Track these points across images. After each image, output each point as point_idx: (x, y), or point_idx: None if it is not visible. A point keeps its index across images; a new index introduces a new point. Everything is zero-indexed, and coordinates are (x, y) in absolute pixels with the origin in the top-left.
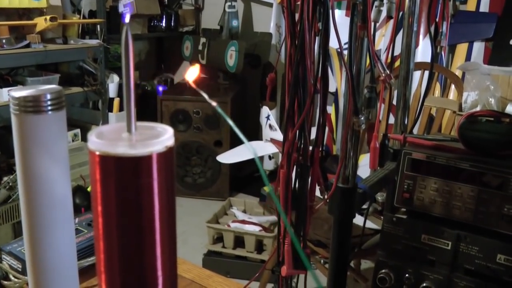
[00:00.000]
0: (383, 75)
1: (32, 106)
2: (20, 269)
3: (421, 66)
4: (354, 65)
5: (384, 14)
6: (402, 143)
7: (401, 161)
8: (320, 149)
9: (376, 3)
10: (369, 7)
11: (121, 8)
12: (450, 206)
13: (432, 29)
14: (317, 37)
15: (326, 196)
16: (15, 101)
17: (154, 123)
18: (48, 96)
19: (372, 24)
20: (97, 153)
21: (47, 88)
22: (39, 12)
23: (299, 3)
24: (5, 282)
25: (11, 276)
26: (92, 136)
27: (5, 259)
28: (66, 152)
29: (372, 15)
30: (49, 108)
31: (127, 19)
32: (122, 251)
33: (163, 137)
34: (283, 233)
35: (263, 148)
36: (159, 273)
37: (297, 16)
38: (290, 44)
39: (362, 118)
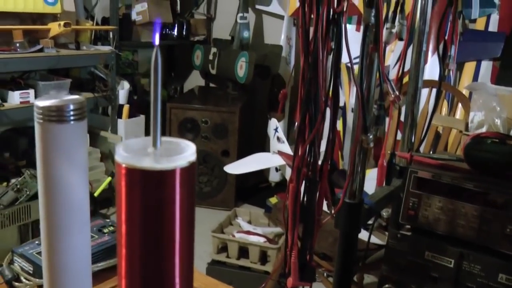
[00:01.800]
0: (392, 96)
1: (55, 115)
2: (31, 272)
3: (429, 83)
4: (364, 84)
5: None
6: (409, 161)
7: (407, 179)
8: (329, 163)
9: (387, 25)
10: (381, 29)
11: (133, 16)
12: (454, 225)
13: (441, 48)
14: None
15: (333, 211)
16: (40, 110)
17: (177, 138)
18: (71, 107)
19: (383, 45)
20: (124, 165)
21: (70, 98)
22: (53, 17)
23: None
24: (17, 284)
25: (22, 278)
26: (119, 149)
27: (17, 261)
28: (86, 160)
29: (384, 36)
30: (72, 118)
31: (157, 40)
32: (143, 258)
33: (186, 152)
34: (290, 245)
35: (270, 160)
36: (177, 280)
37: (311, 34)
38: (303, 61)
39: (370, 136)
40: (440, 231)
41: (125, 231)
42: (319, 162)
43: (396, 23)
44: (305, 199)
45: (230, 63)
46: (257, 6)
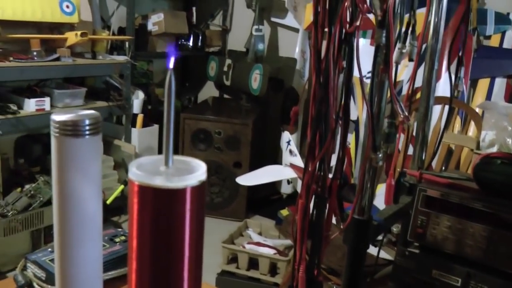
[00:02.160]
0: (401, 117)
1: (71, 130)
2: (44, 278)
3: (441, 100)
4: (375, 103)
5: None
6: (418, 179)
7: (416, 197)
8: (338, 181)
9: (398, 45)
10: (391, 51)
11: (150, 26)
12: (462, 244)
13: (452, 65)
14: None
15: (341, 227)
16: (56, 124)
17: (188, 157)
18: (87, 121)
19: (394, 65)
20: (137, 183)
21: (86, 113)
22: (70, 26)
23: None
24: None
25: (35, 285)
26: (132, 167)
27: (30, 267)
28: (100, 173)
29: (395, 56)
30: (87, 132)
31: (171, 64)
32: (152, 272)
33: (197, 172)
34: (298, 260)
35: (282, 172)
36: None
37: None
38: (315, 80)
39: (380, 155)
40: (448, 250)
41: (136, 246)
42: (329, 178)
43: (407, 43)
44: (314, 215)
45: (244, 75)
46: (273, 19)
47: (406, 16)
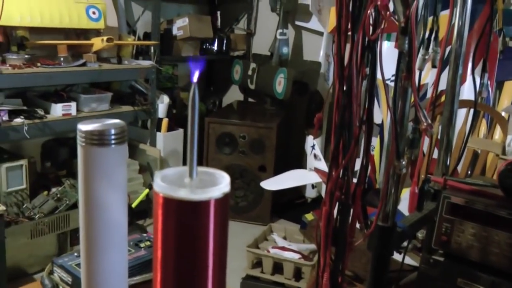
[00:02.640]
0: (425, 124)
1: (97, 139)
2: (70, 282)
3: (466, 104)
4: (398, 110)
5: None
6: (442, 186)
7: (440, 204)
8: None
9: (421, 52)
10: (414, 59)
11: (175, 31)
12: (487, 252)
13: (478, 69)
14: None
15: (365, 233)
16: (82, 134)
17: (212, 169)
18: (112, 131)
19: (418, 72)
20: (161, 195)
21: (112, 123)
22: (96, 32)
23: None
24: None
25: None
26: (157, 179)
27: (56, 271)
28: (125, 181)
29: (417, 63)
30: (113, 141)
31: (195, 78)
32: (177, 283)
33: (220, 184)
34: (322, 267)
35: (307, 176)
36: None
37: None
38: (338, 88)
39: (403, 163)
40: (472, 258)
41: (161, 257)
42: (353, 184)
43: (430, 50)
44: (338, 221)
45: (269, 78)
46: (297, 22)
47: (430, 18)
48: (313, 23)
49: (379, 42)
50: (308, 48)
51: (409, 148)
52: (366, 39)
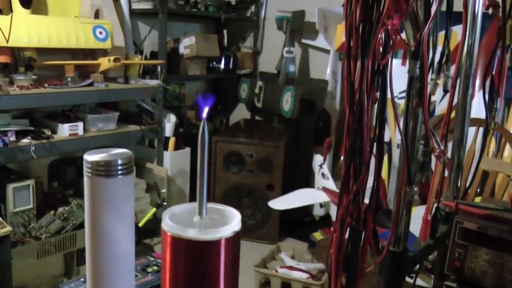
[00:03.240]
0: (438, 151)
1: (103, 170)
2: None
3: (476, 122)
4: (409, 136)
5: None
6: (454, 210)
7: (452, 229)
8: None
9: (432, 76)
10: (426, 84)
11: (181, 50)
12: (502, 279)
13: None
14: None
15: (377, 260)
16: (88, 164)
17: (222, 205)
18: (119, 161)
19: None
20: (169, 234)
21: (118, 152)
22: (103, 52)
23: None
24: None
25: None
26: (165, 218)
27: None
28: (133, 212)
29: (429, 88)
30: (119, 172)
31: (205, 113)
32: None
33: (231, 223)
34: None
35: (315, 196)
36: None
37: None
38: (348, 113)
39: (415, 189)
40: (487, 284)
41: None
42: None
43: (442, 75)
44: (349, 247)
45: (276, 97)
46: (303, 40)
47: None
48: (320, 41)
49: (389, 66)
50: (314, 66)
51: (419, 171)
52: (376, 63)
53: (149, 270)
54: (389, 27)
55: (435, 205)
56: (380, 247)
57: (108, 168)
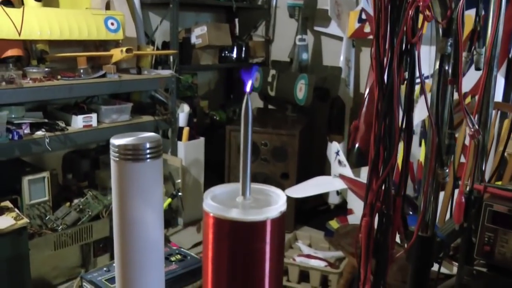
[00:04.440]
0: (472, 130)
1: (131, 154)
2: None
3: (498, 106)
4: (440, 116)
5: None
6: (483, 193)
7: (481, 213)
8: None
9: (464, 54)
10: (460, 61)
11: (193, 39)
12: None
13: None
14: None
15: (405, 245)
16: (115, 148)
17: (266, 186)
18: (147, 145)
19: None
20: (212, 215)
21: (146, 136)
22: (115, 43)
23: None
24: None
25: None
26: (207, 199)
27: (86, 286)
28: (161, 197)
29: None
30: (148, 156)
31: (248, 87)
32: None
33: (277, 203)
34: (363, 281)
35: (332, 183)
36: None
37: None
38: (378, 94)
39: (447, 170)
40: None
41: (212, 282)
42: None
43: (474, 52)
44: (378, 233)
45: (289, 85)
46: (316, 28)
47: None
48: (333, 28)
49: (417, 44)
50: (328, 54)
51: (445, 154)
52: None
53: (173, 259)
54: (420, 3)
55: (466, 188)
56: (408, 232)
57: (136, 152)
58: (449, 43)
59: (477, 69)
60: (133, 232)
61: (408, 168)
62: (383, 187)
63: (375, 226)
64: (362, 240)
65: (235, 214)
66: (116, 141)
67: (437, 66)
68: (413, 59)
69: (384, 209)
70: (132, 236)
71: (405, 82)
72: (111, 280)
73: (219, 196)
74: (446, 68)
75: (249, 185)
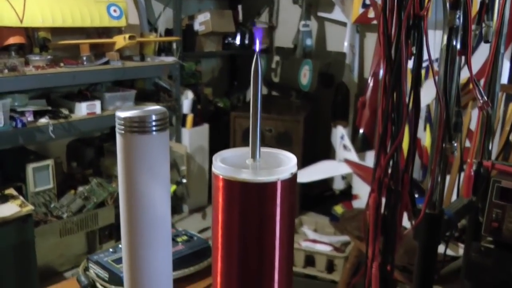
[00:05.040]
0: (481, 102)
1: (137, 126)
2: (106, 278)
3: (505, 89)
4: (448, 90)
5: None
6: (490, 170)
7: (489, 189)
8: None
9: (472, 27)
10: (470, 32)
11: (196, 27)
12: None
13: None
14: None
15: (413, 222)
16: (121, 121)
17: (276, 149)
18: (153, 117)
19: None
20: (222, 177)
21: (152, 109)
22: (118, 30)
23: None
24: None
25: (98, 285)
26: (216, 161)
27: (92, 268)
28: (168, 171)
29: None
30: (154, 128)
31: (257, 47)
32: (241, 275)
33: (288, 164)
34: (371, 257)
35: (337, 168)
36: None
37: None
38: (385, 68)
39: (455, 144)
40: None
41: (222, 246)
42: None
43: (483, 25)
44: (386, 210)
45: (294, 71)
46: (320, 14)
47: None
48: (337, 14)
49: (425, 18)
50: (332, 39)
51: (453, 132)
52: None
53: (179, 240)
54: None
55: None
56: (416, 209)
57: (142, 124)
58: (457, 16)
59: (486, 41)
60: (140, 207)
61: (415, 144)
62: (391, 163)
63: (383, 204)
64: (370, 217)
65: (245, 175)
66: (122, 113)
67: (445, 42)
68: (420, 34)
69: (392, 185)
70: (139, 211)
71: (413, 56)
72: (118, 260)
73: (229, 159)
74: (454, 43)
75: (259, 148)
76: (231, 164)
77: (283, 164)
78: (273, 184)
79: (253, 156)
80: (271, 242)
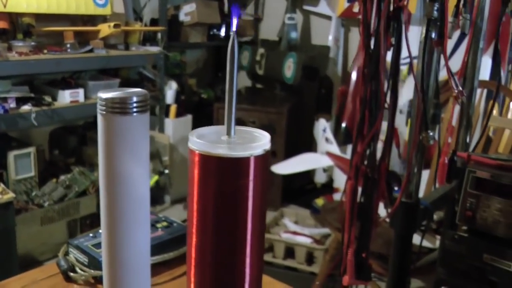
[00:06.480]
0: (456, 91)
1: (119, 107)
2: (86, 263)
3: (484, 84)
4: (425, 80)
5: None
6: (466, 160)
7: (464, 179)
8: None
9: (450, 19)
10: (446, 23)
11: (182, 17)
12: None
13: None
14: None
15: (389, 210)
16: (103, 101)
17: (251, 128)
18: (135, 99)
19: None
20: (198, 152)
21: (134, 91)
22: (103, 18)
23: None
24: (72, 274)
25: (77, 269)
26: (192, 137)
27: (72, 252)
28: (148, 153)
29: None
30: (135, 110)
31: (234, 25)
32: (215, 247)
33: (262, 141)
34: (347, 243)
35: (319, 160)
36: (247, 271)
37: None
38: (364, 57)
39: (431, 134)
40: (499, 233)
41: (197, 219)
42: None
43: (460, 17)
44: (362, 197)
45: (278, 64)
46: (305, 7)
47: None
48: (322, 7)
49: (404, 9)
50: (317, 33)
51: (431, 124)
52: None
53: (159, 225)
54: None
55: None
56: (392, 198)
57: (123, 106)
58: (435, 8)
59: (463, 33)
60: (120, 187)
61: (393, 132)
62: (367, 152)
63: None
64: (347, 203)
65: (220, 150)
66: (103, 94)
67: (423, 33)
68: (400, 25)
69: (369, 173)
70: (119, 191)
71: (392, 47)
72: (97, 245)
73: (205, 135)
74: (433, 35)
75: (234, 125)
76: (207, 140)
77: (257, 141)
78: (246, 159)
79: (229, 133)
80: (243, 215)
